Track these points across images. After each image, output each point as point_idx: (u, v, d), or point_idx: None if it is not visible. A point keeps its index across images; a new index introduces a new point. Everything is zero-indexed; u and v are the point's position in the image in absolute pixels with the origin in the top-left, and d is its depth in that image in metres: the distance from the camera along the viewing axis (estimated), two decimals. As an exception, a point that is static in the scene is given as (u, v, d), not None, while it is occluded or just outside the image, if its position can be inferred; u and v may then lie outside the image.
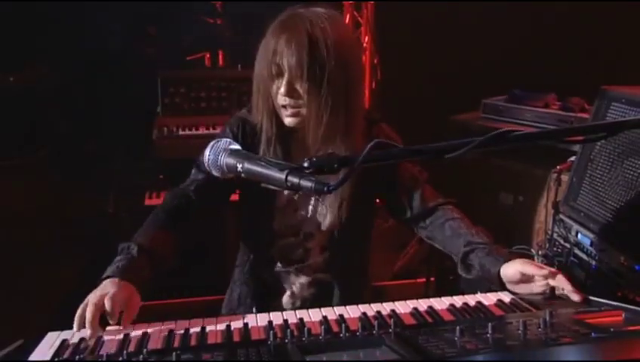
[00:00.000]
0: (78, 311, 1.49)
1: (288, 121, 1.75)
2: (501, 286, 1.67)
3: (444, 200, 1.90)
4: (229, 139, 1.46)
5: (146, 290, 1.62)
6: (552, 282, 1.60)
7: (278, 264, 1.94)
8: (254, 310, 1.84)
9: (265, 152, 1.79)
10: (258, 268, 1.97)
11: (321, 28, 1.67)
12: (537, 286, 1.63)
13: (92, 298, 1.50)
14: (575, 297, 1.56)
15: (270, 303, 1.92)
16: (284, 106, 1.73)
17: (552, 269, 1.62)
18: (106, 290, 1.52)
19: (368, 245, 2.04)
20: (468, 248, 1.75)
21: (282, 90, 1.70)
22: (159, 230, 1.77)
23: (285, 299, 1.95)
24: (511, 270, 1.63)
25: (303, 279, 1.94)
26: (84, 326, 1.47)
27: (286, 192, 1.84)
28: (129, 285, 1.57)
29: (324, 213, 1.87)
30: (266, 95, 1.75)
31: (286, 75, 1.68)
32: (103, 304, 1.48)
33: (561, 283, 1.59)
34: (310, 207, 1.89)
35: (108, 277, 1.59)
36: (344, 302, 1.68)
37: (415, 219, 1.90)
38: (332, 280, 1.93)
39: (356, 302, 1.62)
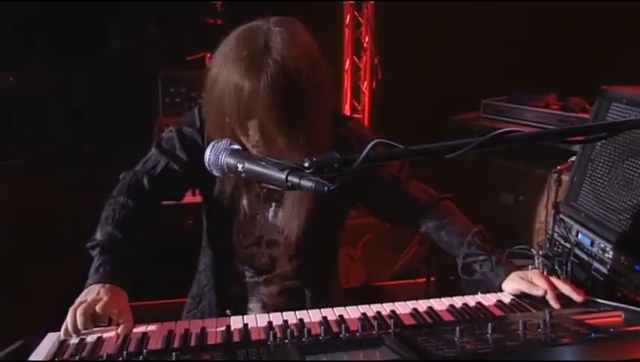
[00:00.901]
0: (69, 319, 1.48)
1: (255, 151, 1.62)
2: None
3: (434, 198, 1.84)
4: (229, 140, 1.45)
5: (130, 285, 1.64)
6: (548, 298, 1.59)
7: (247, 274, 1.88)
8: (229, 312, 1.80)
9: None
10: (225, 278, 1.91)
11: (287, 64, 1.53)
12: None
13: (83, 307, 1.50)
14: (577, 298, 1.57)
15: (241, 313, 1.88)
16: (253, 146, 1.62)
17: (545, 289, 1.58)
18: (96, 297, 1.53)
19: (336, 247, 1.99)
20: (468, 260, 1.73)
21: (252, 132, 1.58)
22: (125, 221, 1.73)
23: (256, 309, 1.89)
24: (510, 288, 1.64)
25: (273, 288, 1.89)
26: (73, 333, 1.47)
27: (245, 201, 1.78)
28: (115, 287, 1.58)
29: (284, 220, 1.79)
30: (225, 129, 1.60)
31: (257, 122, 1.56)
32: (94, 312, 1.49)
33: (563, 290, 1.59)
34: (270, 214, 1.82)
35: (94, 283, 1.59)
36: (315, 305, 1.65)
37: (405, 222, 1.88)
38: (302, 287, 1.88)
39: (327, 304, 1.60)
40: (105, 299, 1.52)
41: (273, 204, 1.81)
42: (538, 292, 1.58)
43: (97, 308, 1.49)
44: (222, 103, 1.58)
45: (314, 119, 1.60)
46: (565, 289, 1.58)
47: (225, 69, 1.56)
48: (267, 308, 1.87)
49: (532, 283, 1.61)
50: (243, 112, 1.55)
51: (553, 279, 1.63)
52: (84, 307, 1.50)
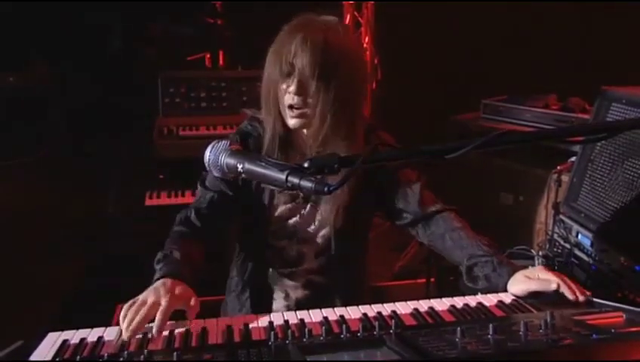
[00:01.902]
0: (132, 309, 1.46)
1: (293, 122, 1.75)
2: None
3: (443, 206, 1.88)
4: (229, 140, 1.46)
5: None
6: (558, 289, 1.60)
7: (273, 267, 1.94)
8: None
9: (268, 153, 1.80)
10: (255, 273, 1.96)
11: (335, 33, 1.72)
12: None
13: (152, 298, 1.49)
14: (580, 297, 1.57)
15: (265, 306, 1.92)
16: (290, 107, 1.74)
17: (557, 281, 1.59)
18: (166, 290, 1.52)
19: (365, 249, 2.04)
20: (471, 262, 1.74)
21: (292, 88, 1.71)
22: (186, 243, 1.77)
23: (279, 301, 1.94)
24: (518, 290, 1.63)
25: (298, 281, 1.93)
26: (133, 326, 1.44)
27: (281, 205, 1.86)
28: (176, 281, 1.58)
29: (320, 219, 1.88)
30: (275, 95, 1.76)
31: (297, 74, 1.70)
32: (160, 304, 1.48)
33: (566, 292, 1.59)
34: (305, 212, 1.88)
35: (162, 277, 1.59)
36: (344, 304, 1.67)
37: (414, 225, 1.89)
38: (327, 283, 1.93)
39: (354, 303, 1.62)
40: (164, 302, 1.49)
41: (311, 199, 1.87)
42: (553, 286, 1.58)
43: (167, 299, 1.49)
44: (270, 69, 1.74)
45: (346, 96, 1.73)
46: (572, 284, 1.59)
47: (275, 45, 1.75)
48: (289, 300, 1.93)
49: (542, 279, 1.61)
50: (285, 67, 1.70)
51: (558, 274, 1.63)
52: (154, 297, 1.49)
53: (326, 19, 1.77)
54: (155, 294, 1.51)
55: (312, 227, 1.89)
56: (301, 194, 1.83)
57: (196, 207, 1.86)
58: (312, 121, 1.74)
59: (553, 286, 1.58)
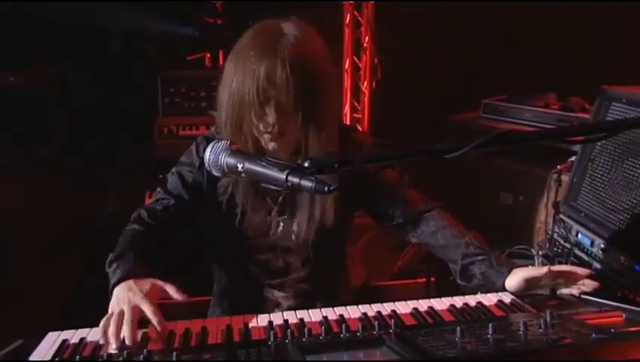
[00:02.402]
0: (112, 325, 1.42)
1: (272, 145, 1.67)
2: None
3: (430, 205, 1.85)
4: (229, 140, 1.46)
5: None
6: (560, 280, 1.62)
7: (260, 280, 1.90)
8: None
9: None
10: (240, 287, 1.93)
11: (305, 42, 1.62)
12: (545, 285, 1.64)
13: (127, 312, 1.45)
14: (589, 285, 1.59)
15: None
16: (267, 132, 1.65)
17: (550, 267, 1.62)
18: (134, 297, 1.48)
19: (344, 249, 2.02)
20: (467, 261, 1.73)
21: (271, 118, 1.61)
22: (132, 238, 1.73)
23: (271, 310, 1.87)
24: (514, 281, 1.63)
25: (287, 292, 1.90)
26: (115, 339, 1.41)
27: (254, 221, 1.81)
28: (138, 280, 1.55)
29: (297, 230, 1.82)
30: (243, 120, 1.65)
31: (275, 103, 1.60)
32: (139, 312, 1.46)
33: (566, 269, 1.62)
34: (281, 225, 1.83)
35: (118, 282, 1.55)
36: (327, 304, 1.66)
37: (403, 226, 1.86)
38: (314, 289, 1.91)
39: (338, 303, 1.61)
40: (144, 291, 1.50)
41: (286, 212, 1.82)
42: (543, 270, 1.59)
43: (143, 304, 1.46)
44: (240, 94, 1.61)
45: (325, 105, 1.66)
46: (575, 274, 1.61)
47: (240, 61, 1.63)
48: (281, 309, 1.88)
49: (536, 267, 1.65)
50: (261, 94, 1.59)
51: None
52: (128, 309, 1.45)
53: (290, 26, 1.65)
54: (119, 304, 1.48)
55: (293, 237, 1.83)
56: (275, 208, 1.80)
57: (150, 208, 1.81)
58: (291, 139, 1.68)
59: (544, 270, 1.59)
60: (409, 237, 1.88)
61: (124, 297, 1.50)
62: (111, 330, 1.41)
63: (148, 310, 1.46)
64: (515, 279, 1.63)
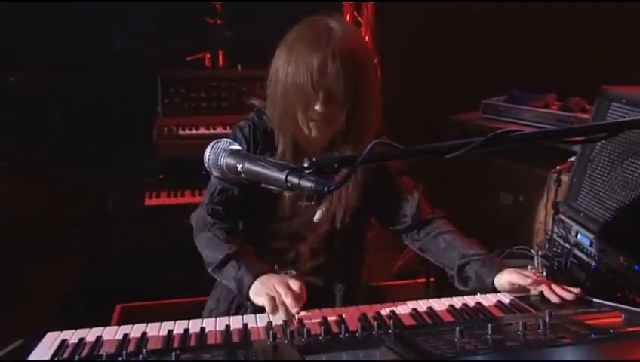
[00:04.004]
0: (287, 298, 1.51)
1: (314, 132, 1.76)
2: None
3: (437, 214, 1.92)
4: (229, 140, 1.46)
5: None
6: (538, 289, 1.64)
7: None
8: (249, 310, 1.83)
9: (280, 157, 1.81)
10: None
11: (349, 41, 1.72)
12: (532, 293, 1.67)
13: (288, 287, 1.54)
14: (568, 296, 1.60)
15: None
16: (313, 120, 1.74)
17: (537, 279, 1.64)
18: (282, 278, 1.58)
19: (362, 251, 2.04)
20: (463, 261, 1.77)
21: (319, 106, 1.70)
22: (226, 236, 1.78)
23: None
24: (501, 280, 1.67)
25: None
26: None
27: (287, 199, 1.85)
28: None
29: (321, 218, 1.88)
30: (292, 108, 1.74)
31: (326, 92, 1.69)
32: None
33: (546, 293, 1.62)
34: (308, 214, 1.88)
35: (257, 276, 1.62)
36: (340, 305, 1.67)
37: (409, 229, 1.92)
38: (323, 284, 1.92)
39: (351, 303, 1.63)
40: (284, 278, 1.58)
41: (314, 198, 1.86)
42: (528, 280, 1.62)
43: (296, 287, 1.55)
44: (294, 83, 1.70)
45: (370, 99, 1.77)
46: (553, 298, 1.61)
47: (293, 54, 1.71)
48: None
49: (524, 274, 1.65)
50: (315, 84, 1.68)
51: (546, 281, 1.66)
52: (291, 293, 1.53)
53: (336, 22, 1.75)
54: (271, 288, 1.56)
55: (314, 227, 1.89)
56: (305, 194, 1.83)
57: (212, 209, 1.83)
58: (333, 128, 1.77)
59: (528, 281, 1.62)
60: (412, 240, 1.93)
61: (271, 281, 1.58)
62: (288, 301, 1.50)
63: (296, 285, 1.55)
64: (501, 279, 1.67)
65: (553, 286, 1.63)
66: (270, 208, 1.86)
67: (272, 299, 1.53)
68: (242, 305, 1.87)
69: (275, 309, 1.52)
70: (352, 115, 1.74)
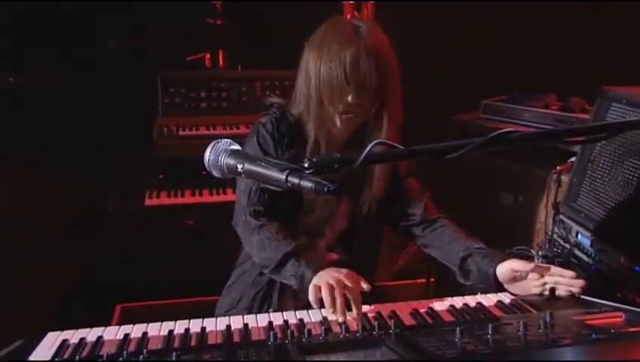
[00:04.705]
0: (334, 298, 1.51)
1: (343, 125, 1.83)
2: (498, 287, 1.70)
3: (443, 214, 1.98)
4: (229, 140, 1.46)
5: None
6: (547, 278, 1.66)
7: None
8: (271, 310, 1.86)
9: (312, 150, 1.86)
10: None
11: (376, 38, 1.82)
12: (535, 286, 1.67)
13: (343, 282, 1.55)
14: (577, 284, 1.62)
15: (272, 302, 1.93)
16: (344, 112, 1.81)
17: (542, 265, 1.68)
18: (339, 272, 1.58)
19: (377, 252, 2.09)
20: (465, 253, 1.80)
21: (351, 98, 1.78)
22: (277, 234, 1.79)
23: (289, 301, 1.93)
24: (503, 268, 1.70)
25: None
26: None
27: (310, 197, 1.88)
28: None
29: (338, 214, 1.92)
30: (324, 100, 1.81)
31: (355, 85, 1.77)
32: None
33: (557, 273, 1.66)
34: (329, 208, 1.91)
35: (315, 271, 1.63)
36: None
37: (417, 226, 1.97)
38: None
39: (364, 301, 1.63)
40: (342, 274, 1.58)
41: (333, 197, 1.90)
42: (529, 266, 1.66)
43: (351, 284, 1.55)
44: (328, 77, 1.79)
45: (395, 95, 1.88)
46: (564, 278, 1.64)
47: (325, 50, 1.80)
48: (298, 299, 1.89)
49: (525, 261, 1.69)
50: (348, 77, 1.76)
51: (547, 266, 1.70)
52: (349, 286, 1.54)
53: (360, 22, 1.86)
54: (331, 279, 1.56)
55: (332, 222, 1.92)
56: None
57: (253, 210, 1.84)
58: (360, 120, 1.84)
59: (530, 266, 1.66)
60: (417, 236, 1.98)
61: (330, 274, 1.58)
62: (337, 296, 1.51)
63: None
64: (503, 267, 1.69)
65: (559, 270, 1.67)
66: (293, 202, 1.87)
67: (331, 288, 1.53)
68: (266, 298, 1.91)
69: (333, 301, 1.52)
70: (380, 108, 1.82)
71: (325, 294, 1.51)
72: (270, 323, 1.50)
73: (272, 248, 1.74)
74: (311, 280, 1.61)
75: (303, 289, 1.64)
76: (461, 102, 3.45)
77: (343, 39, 1.78)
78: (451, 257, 1.85)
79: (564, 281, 1.66)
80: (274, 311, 1.83)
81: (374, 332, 1.38)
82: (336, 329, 1.43)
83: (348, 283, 1.54)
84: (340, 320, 1.47)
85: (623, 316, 1.44)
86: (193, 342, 1.44)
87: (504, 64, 4.30)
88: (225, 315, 1.70)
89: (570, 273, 1.67)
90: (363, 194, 1.90)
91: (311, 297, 1.55)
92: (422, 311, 1.58)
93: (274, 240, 1.76)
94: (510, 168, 3.00)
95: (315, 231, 1.92)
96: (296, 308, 1.85)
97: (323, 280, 1.56)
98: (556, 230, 2.15)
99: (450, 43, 4.50)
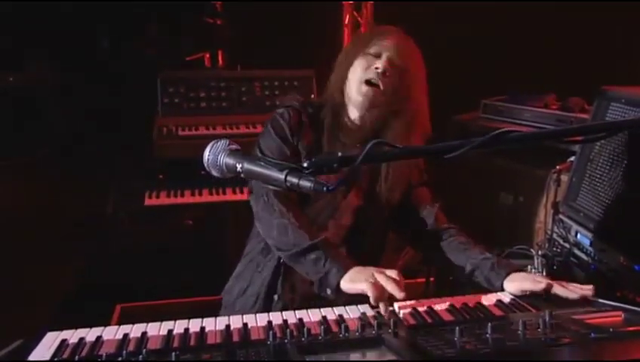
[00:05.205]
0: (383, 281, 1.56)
1: (365, 95, 1.86)
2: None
3: (452, 225, 1.99)
4: (228, 140, 1.46)
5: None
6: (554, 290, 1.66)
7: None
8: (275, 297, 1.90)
9: (329, 133, 1.91)
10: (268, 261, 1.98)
11: (406, 37, 1.96)
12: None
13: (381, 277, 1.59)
14: (577, 293, 1.62)
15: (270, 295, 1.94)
16: (368, 81, 1.86)
17: (549, 282, 1.67)
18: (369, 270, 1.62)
19: (380, 252, 2.08)
20: (472, 266, 1.83)
21: (380, 64, 1.86)
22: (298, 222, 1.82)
23: (287, 294, 1.94)
24: (513, 287, 1.70)
25: None
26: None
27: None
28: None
29: (341, 209, 1.92)
30: (353, 72, 1.89)
31: (386, 57, 1.87)
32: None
33: (561, 292, 1.64)
34: (333, 199, 1.92)
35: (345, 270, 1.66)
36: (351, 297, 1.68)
37: (423, 235, 1.99)
38: None
39: (363, 300, 1.63)
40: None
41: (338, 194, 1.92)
42: (541, 286, 1.64)
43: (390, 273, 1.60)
44: (360, 50, 1.91)
45: (421, 94, 1.98)
46: (569, 294, 1.62)
47: (357, 40, 2.01)
48: (295, 293, 1.94)
49: (535, 280, 1.68)
50: (378, 46, 1.89)
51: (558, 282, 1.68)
52: (385, 278, 1.58)
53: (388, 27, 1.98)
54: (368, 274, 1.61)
55: (335, 216, 1.93)
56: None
57: (276, 193, 1.84)
58: (379, 110, 1.88)
59: (542, 286, 1.64)
60: (424, 245, 2.03)
61: (369, 270, 1.62)
62: (390, 287, 1.56)
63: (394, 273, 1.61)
64: (513, 286, 1.70)
65: (565, 284, 1.66)
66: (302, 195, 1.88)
67: (375, 285, 1.56)
68: (271, 294, 1.92)
69: (379, 294, 1.55)
70: (401, 100, 1.88)
71: (372, 292, 1.56)
72: (269, 322, 1.50)
73: (296, 235, 1.76)
74: (340, 276, 1.64)
75: (322, 283, 1.68)
76: (461, 102, 3.45)
77: (376, 27, 1.98)
78: (458, 268, 1.87)
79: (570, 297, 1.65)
80: (278, 297, 1.88)
81: (373, 332, 1.38)
82: (335, 328, 1.43)
83: (383, 276, 1.58)
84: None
85: (623, 315, 1.44)
86: (192, 342, 1.44)
87: (504, 64, 4.30)
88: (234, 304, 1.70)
89: (588, 290, 1.64)
90: (373, 194, 1.92)
91: (372, 296, 1.57)
92: (421, 310, 1.58)
93: (298, 227, 1.77)
94: (510, 168, 3.00)
95: (319, 223, 1.92)
96: (293, 301, 1.87)
97: (362, 278, 1.61)
98: (556, 229, 2.15)
99: (450, 43, 4.50)
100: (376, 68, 1.85)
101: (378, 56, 1.88)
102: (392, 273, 1.60)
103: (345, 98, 1.91)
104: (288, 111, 1.93)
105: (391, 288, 1.55)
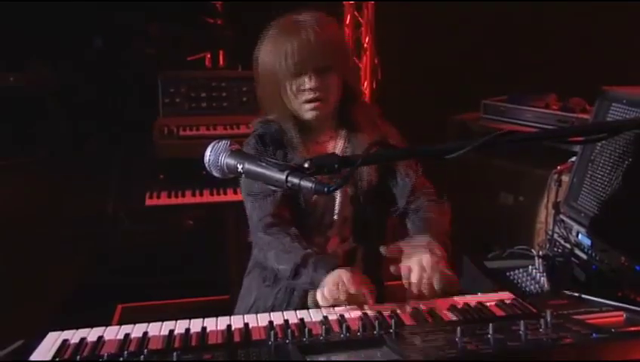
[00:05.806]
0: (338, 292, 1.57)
1: (311, 114, 1.82)
2: None
3: (426, 192, 1.94)
4: (229, 141, 1.46)
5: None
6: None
7: None
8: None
9: (294, 146, 1.86)
10: None
11: (320, 19, 1.81)
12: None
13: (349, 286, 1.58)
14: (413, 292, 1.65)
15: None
16: (307, 101, 1.80)
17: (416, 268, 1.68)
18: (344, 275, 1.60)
19: (383, 236, 2.05)
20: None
21: (309, 83, 1.78)
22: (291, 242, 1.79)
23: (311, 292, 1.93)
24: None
25: None
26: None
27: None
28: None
29: (343, 203, 1.90)
30: (281, 97, 1.82)
31: (310, 69, 1.77)
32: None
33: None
34: (335, 195, 1.90)
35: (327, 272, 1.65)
36: None
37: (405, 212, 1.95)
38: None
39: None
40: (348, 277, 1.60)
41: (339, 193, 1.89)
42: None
43: (352, 290, 1.58)
44: (277, 71, 1.79)
45: (353, 69, 1.83)
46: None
47: (270, 48, 1.81)
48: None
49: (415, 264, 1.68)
50: (299, 65, 1.76)
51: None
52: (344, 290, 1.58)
53: (302, 12, 1.82)
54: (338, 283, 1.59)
55: (337, 210, 1.90)
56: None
57: (265, 223, 1.83)
58: (330, 106, 1.84)
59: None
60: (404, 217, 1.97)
61: (338, 277, 1.61)
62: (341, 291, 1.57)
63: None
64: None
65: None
66: (295, 203, 1.87)
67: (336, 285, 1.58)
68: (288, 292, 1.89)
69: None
70: (344, 82, 1.84)
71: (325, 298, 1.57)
72: (270, 322, 1.50)
73: (286, 260, 1.75)
74: (320, 282, 1.64)
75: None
76: (461, 102, 3.45)
77: (286, 30, 1.79)
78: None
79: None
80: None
81: (375, 332, 1.37)
82: (336, 328, 1.43)
83: (351, 287, 1.57)
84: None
85: (624, 315, 1.44)
86: (194, 342, 1.44)
87: (504, 64, 4.30)
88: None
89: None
90: (355, 180, 1.89)
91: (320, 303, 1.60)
92: (422, 310, 1.57)
93: (286, 252, 1.76)
94: (510, 168, 3.00)
95: (325, 222, 1.90)
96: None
97: (331, 284, 1.60)
98: (557, 230, 2.15)
99: (450, 43, 4.51)
100: (307, 89, 1.79)
101: (299, 75, 1.79)
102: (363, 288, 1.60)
103: (292, 110, 1.86)
104: (254, 137, 1.91)
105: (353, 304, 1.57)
